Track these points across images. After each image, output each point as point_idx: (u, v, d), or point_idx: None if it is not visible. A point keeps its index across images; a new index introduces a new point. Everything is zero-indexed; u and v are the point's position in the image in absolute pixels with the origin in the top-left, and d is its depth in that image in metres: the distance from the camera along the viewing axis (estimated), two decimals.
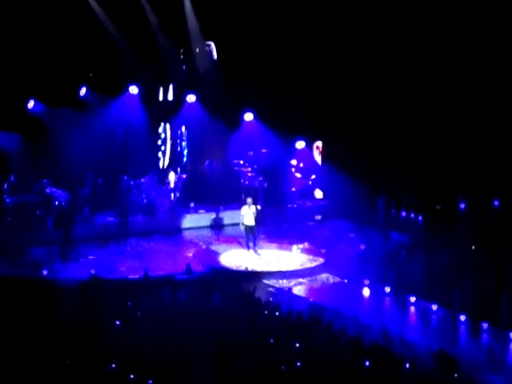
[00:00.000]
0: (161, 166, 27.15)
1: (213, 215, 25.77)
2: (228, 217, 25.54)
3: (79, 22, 24.60)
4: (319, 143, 28.00)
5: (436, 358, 12.45)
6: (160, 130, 27.18)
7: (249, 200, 22.10)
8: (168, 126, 27.26)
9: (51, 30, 23.92)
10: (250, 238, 21.91)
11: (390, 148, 24.80)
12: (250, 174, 27.23)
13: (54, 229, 21.86)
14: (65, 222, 21.36)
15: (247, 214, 21.76)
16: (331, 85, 27.13)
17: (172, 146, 27.36)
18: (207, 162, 27.57)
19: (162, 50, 26.80)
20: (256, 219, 21.75)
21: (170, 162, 27.22)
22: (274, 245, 23.04)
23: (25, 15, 23.71)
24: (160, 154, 27.24)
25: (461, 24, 23.51)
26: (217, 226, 25.54)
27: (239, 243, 22.93)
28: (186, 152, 27.43)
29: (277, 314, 14.80)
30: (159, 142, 27.22)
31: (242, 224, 21.79)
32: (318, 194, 27.77)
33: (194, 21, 27.29)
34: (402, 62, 24.92)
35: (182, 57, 27.25)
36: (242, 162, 27.65)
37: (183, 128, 27.47)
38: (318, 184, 28.05)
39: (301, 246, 22.93)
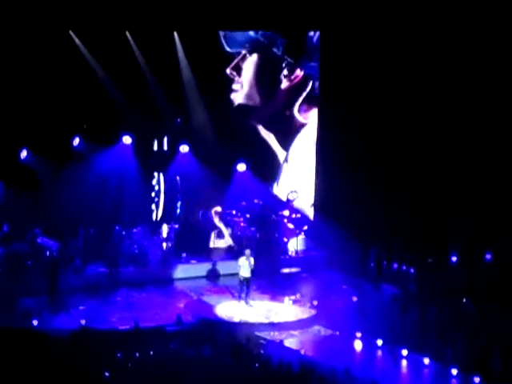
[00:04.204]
0: (154, 218, 27.12)
1: (206, 265, 25.70)
2: (223, 267, 25.51)
3: (73, 72, 24.74)
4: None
5: None
6: (154, 182, 27.19)
7: (247, 252, 22.11)
8: (162, 176, 27.31)
9: (44, 81, 24.07)
10: (244, 289, 21.86)
11: (381, 199, 24.88)
12: (242, 224, 27.28)
13: (43, 278, 21.80)
14: (53, 271, 21.33)
15: (244, 266, 21.76)
16: (323, 132, 27.50)
17: (165, 196, 27.37)
18: (200, 212, 27.58)
19: (157, 102, 26.93)
20: (252, 271, 21.78)
21: (163, 213, 27.20)
22: (266, 296, 22.96)
23: (18, 66, 23.86)
24: (153, 206, 27.24)
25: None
26: (212, 276, 25.46)
27: (231, 294, 22.85)
28: (179, 204, 27.41)
29: (268, 366, 14.70)
30: (153, 194, 27.23)
31: (240, 275, 21.81)
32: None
33: (190, 75, 27.53)
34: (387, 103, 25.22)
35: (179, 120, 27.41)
36: (234, 211, 27.71)
37: (177, 178, 27.51)
38: (310, 235, 28.10)
39: (293, 297, 22.81)
